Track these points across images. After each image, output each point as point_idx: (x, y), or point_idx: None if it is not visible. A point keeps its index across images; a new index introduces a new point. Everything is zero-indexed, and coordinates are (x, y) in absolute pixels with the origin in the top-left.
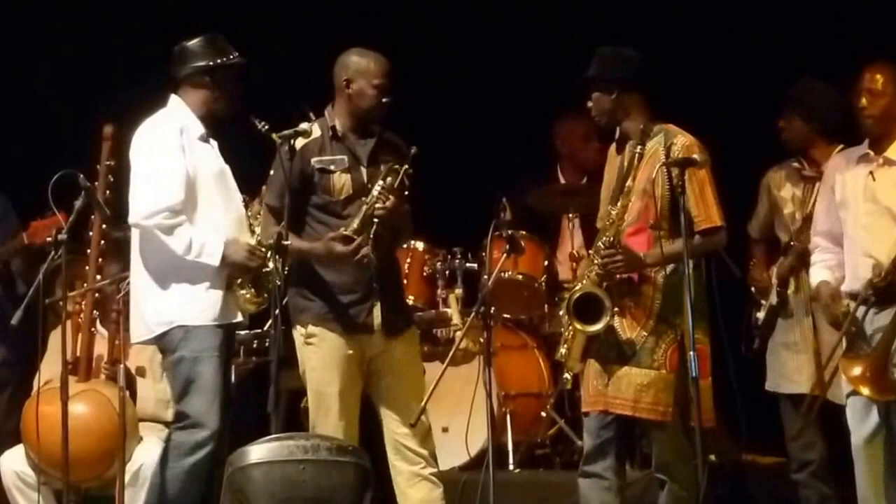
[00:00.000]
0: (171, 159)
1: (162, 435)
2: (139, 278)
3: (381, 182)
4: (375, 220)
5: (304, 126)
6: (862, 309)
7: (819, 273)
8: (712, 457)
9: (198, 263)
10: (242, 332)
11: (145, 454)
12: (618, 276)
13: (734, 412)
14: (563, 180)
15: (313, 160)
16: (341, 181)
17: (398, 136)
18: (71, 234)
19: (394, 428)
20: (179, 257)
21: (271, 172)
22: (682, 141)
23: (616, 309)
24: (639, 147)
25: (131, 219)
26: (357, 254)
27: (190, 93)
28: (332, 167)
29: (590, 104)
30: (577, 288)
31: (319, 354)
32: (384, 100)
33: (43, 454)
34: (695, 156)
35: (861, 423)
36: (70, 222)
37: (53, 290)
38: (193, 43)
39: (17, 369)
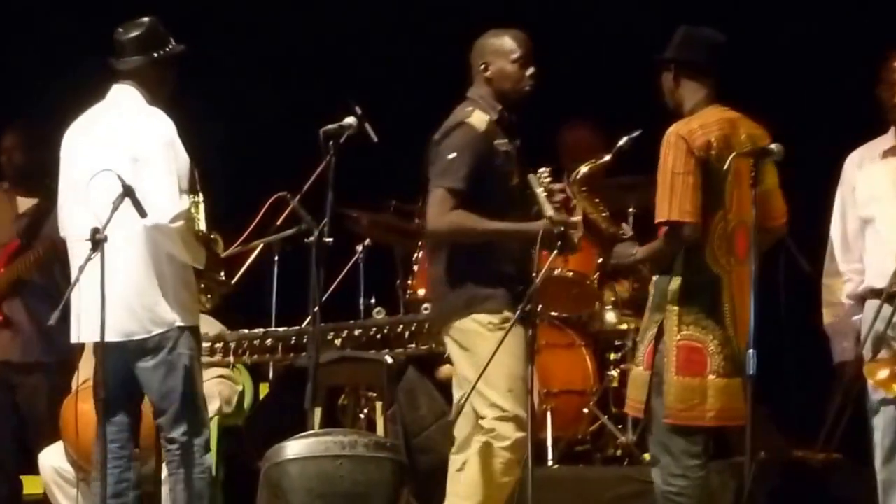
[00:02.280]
0: (186, 158)
1: None
2: (139, 276)
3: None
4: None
5: (348, 121)
6: (887, 309)
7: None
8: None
9: (190, 267)
10: (281, 330)
11: None
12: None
13: (786, 409)
14: None
15: (496, 142)
16: (511, 166)
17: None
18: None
19: None
20: (182, 259)
21: (452, 155)
22: (670, 129)
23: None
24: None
25: (160, 219)
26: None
27: (138, 84)
28: (510, 150)
29: None
30: None
31: (516, 340)
32: (528, 72)
33: (81, 451)
34: (772, 146)
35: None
36: (107, 220)
37: None
38: (137, 31)
39: None
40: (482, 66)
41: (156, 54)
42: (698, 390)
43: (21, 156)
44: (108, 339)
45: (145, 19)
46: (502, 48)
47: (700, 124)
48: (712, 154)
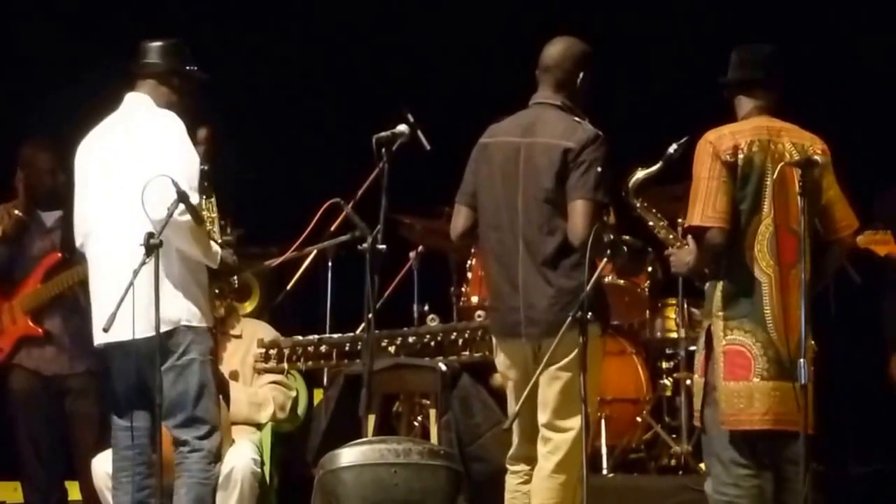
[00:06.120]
0: (195, 157)
1: (254, 438)
2: (146, 274)
3: None
4: None
5: (401, 128)
6: None
7: None
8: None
9: (204, 268)
10: (335, 336)
11: (238, 457)
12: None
13: (839, 420)
14: None
15: None
16: None
17: None
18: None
19: None
20: (193, 256)
21: (600, 169)
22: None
23: None
24: None
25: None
26: None
27: (151, 90)
28: None
29: None
30: None
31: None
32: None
33: None
34: (816, 157)
35: None
36: (162, 227)
37: None
38: (163, 42)
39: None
40: (581, 76)
41: (174, 65)
42: (744, 394)
43: (62, 175)
44: (115, 339)
45: (174, 39)
46: (590, 61)
47: (731, 130)
48: (740, 158)
